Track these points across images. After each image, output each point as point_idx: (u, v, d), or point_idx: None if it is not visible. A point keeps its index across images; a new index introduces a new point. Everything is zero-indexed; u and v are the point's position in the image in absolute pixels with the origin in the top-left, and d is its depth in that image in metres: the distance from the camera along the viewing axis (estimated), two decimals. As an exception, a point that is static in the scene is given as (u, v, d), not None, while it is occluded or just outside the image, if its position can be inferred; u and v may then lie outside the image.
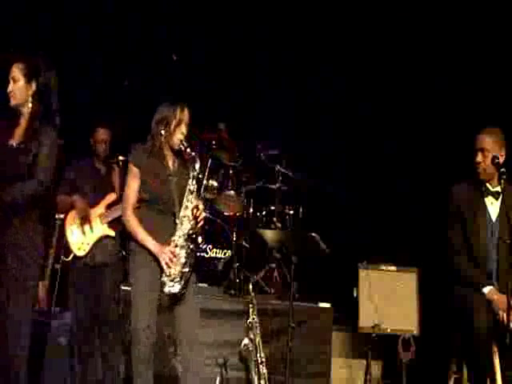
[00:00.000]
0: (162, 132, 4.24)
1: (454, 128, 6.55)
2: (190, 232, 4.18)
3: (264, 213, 6.70)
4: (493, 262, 4.56)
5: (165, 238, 4.18)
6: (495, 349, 4.39)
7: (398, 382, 5.52)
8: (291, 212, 6.66)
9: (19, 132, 4.11)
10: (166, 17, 7.39)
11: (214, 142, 6.71)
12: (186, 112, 4.28)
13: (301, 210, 6.72)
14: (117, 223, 5.30)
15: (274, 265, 6.51)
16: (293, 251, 5.22)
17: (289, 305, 5.09)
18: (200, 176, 4.29)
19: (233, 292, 6.16)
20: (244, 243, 6.60)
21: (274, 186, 6.66)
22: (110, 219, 5.25)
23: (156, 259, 4.16)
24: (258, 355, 4.93)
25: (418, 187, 6.83)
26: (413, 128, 7.00)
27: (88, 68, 7.12)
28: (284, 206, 6.68)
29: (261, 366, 4.91)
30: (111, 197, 5.29)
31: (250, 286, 5.16)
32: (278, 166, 6.61)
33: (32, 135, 4.06)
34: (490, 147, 4.56)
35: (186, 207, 4.20)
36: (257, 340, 4.95)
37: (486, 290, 4.49)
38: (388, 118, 7.19)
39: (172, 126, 4.23)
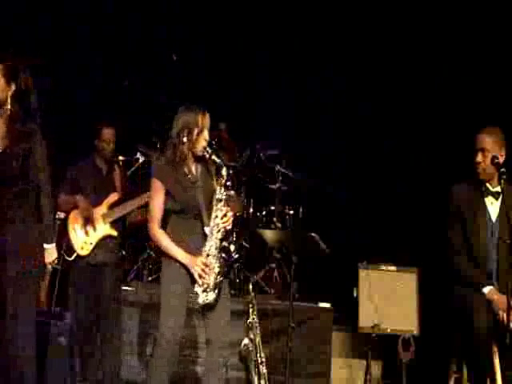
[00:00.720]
0: (185, 140, 4.13)
1: (454, 128, 6.55)
2: (222, 241, 4.11)
3: (264, 213, 6.70)
4: (493, 262, 4.55)
5: (196, 246, 4.13)
6: (495, 349, 4.38)
7: (397, 382, 5.52)
8: (291, 212, 6.66)
9: (1, 135, 4.07)
10: (166, 17, 7.39)
11: (213, 142, 6.71)
12: (207, 118, 4.17)
13: (301, 210, 6.72)
14: (119, 223, 5.33)
15: (273, 265, 6.51)
16: (293, 251, 5.22)
17: (289, 305, 5.09)
18: (228, 184, 4.19)
19: (233, 292, 6.16)
20: (244, 243, 6.61)
21: (274, 186, 6.67)
22: (112, 219, 5.27)
23: (188, 271, 4.10)
24: (258, 355, 4.93)
25: (418, 187, 6.83)
26: (413, 128, 7.00)
27: (88, 68, 7.13)
28: (284, 206, 6.69)
29: (261, 366, 4.91)
30: (113, 196, 5.31)
31: (250, 286, 5.15)
32: (278, 166, 6.61)
33: (19, 138, 4.06)
34: (490, 147, 4.55)
35: (216, 216, 4.12)
36: (257, 340, 4.94)
37: (486, 290, 4.48)
38: (388, 118, 7.19)
39: (195, 134, 4.13)
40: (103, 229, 5.28)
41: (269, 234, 5.61)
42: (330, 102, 7.44)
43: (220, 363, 4.21)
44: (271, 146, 6.73)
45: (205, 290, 4.07)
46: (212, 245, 4.11)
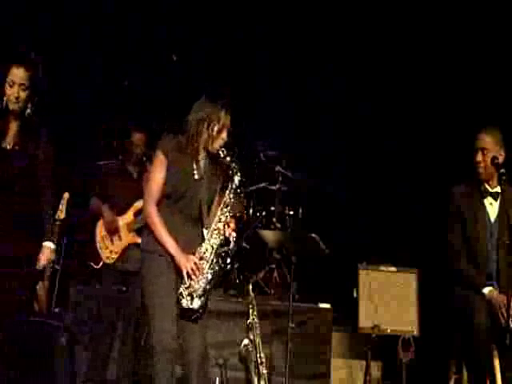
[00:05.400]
0: (203, 131, 3.88)
1: (454, 128, 6.55)
2: (220, 249, 3.89)
3: (264, 213, 6.69)
4: (493, 263, 4.56)
5: (185, 244, 3.87)
6: (495, 350, 4.39)
7: (397, 383, 5.51)
8: (291, 213, 6.66)
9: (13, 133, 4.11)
10: (166, 17, 7.38)
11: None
12: (229, 117, 3.93)
13: (300, 210, 6.72)
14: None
15: (273, 265, 6.51)
16: (293, 252, 5.22)
17: (289, 305, 5.09)
18: (239, 191, 3.98)
19: (233, 293, 6.16)
20: (244, 243, 6.60)
21: (274, 187, 6.66)
22: (137, 227, 5.21)
23: (176, 267, 3.82)
24: (258, 356, 4.92)
25: (418, 187, 6.83)
26: (413, 128, 7.00)
27: (88, 68, 7.12)
28: (284, 207, 6.68)
29: (261, 367, 4.91)
30: (139, 204, 5.25)
31: (250, 287, 5.15)
32: (278, 167, 6.61)
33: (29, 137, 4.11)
34: (490, 147, 4.57)
35: (220, 220, 3.90)
36: (257, 340, 4.94)
37: (486, 290, 4.49)
38: (388, 118, 7.19)
39: (215, 130, 3.88)
40: (128, 237, 5.28)
41: (269, 235, 5.61)
42: (330, 102, 7.43)
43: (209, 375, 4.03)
44: (271, 146, 6.73)
45: (190, 294, 3.80)
46: (208, 249, 3.87)
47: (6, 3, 6.73)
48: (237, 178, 3.95)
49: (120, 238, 5.28)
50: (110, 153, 5.73)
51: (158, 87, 6.98)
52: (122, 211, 5.30)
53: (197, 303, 3.81)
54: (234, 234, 3.94)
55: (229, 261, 3.87)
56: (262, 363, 4.92)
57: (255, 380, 4.88)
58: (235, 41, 7.49)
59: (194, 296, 3.82)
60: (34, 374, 4.91)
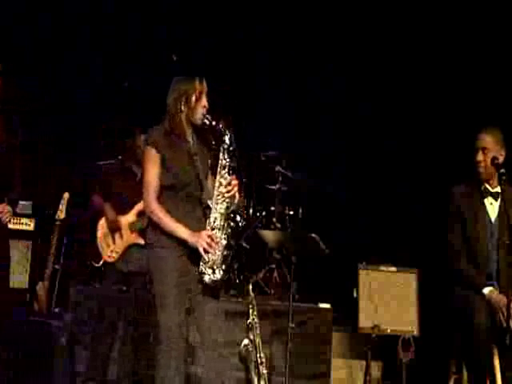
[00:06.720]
0: (183, 108, 3.92)
1: (454, 128, 6.55)
2: (228, 211, 3.89)
3: (264, 213, 6.69)
4: (493, 263, 4.56)
5: (197, 226, 3.86)
6: (495, 349, 4.39)
7: (397, 383, 5.51)
8: (291, 213, 6.66)
9: None
10: (166, 17, 7.39)
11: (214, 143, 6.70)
12: (204, 83, 3.98)
13: (300, 210, 6.72)
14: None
15: (273, 265, 6.51)
16: (293, 252, 5.22)
17: (289, 305, 5.09)
18: (231, 148, 3.96)
19: (233, 293, 6.16)
20: (244, 243, 6.60)
21: (274, 187, 6.67)
22: (139, 227, 5.20)
23: (187, 250, 3.84)
24: (258, 356, 4.92)
25: (418, 187, 6.82)
26: (413, 128, 6.99)
27: (88, 68, 7.12)
28: (284, 207, 6.68)
29: (261, 367, 4.91)
30: (141, 204, 5.23)
31: (250, 287, 5.15)
32: (278, 167, 6.61)
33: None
34: (490, 146, 4.57)
35: (220, 184, 3.91)
36: (257, 340, 4.94)
37: (486, 290, 4.49)
38: (388, 118, 7.18)
39: (193, 101, 3.92)
40: (130, 237, 5.27)
41: (269, 235, 5.61)
42: (330, 101, 7.43)
43: (215, 362, 3.98)
44: (271, 147, 6.74)
45: (211, 267, 3.83)
46: (216, 217, 3.87)
47: (6, 3, 6.73)
48: (227, 138, 3.95)
49: (122, 237, 5.27)
50: (110, 153, 5.72)
51: (158, 87, 6.97)
52: (124, 210, 5.29)
53: (219, 273, 3.85)
54: (235, 189, 3.93)
55: (239, 218, 3.87)
56: (262, 363, 4.92)
57: (255, 380, 4.88)
58: (235, 41, 7.49)
59: (215, 268, 3.85)
60: (34, 374, 4.92)
